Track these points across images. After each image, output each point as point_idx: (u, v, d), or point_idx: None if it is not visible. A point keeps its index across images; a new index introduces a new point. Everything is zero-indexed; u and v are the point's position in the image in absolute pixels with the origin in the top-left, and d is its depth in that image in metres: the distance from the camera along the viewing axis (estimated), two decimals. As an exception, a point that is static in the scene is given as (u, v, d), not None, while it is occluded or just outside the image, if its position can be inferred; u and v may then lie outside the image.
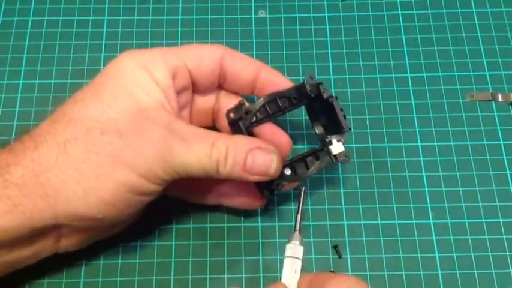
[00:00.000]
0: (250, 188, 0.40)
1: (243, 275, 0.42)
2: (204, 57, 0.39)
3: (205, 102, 0.42)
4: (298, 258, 0.39)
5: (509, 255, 0.43)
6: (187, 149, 0.35)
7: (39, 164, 0.34)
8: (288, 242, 0.39)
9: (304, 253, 0.39)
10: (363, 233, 0.43)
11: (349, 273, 0.42)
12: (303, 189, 0.41)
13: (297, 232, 0.40)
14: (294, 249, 0.39)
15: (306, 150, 0.46)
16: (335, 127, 0.40)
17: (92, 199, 0.34)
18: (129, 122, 0.35)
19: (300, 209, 0.41)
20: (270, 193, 0.39)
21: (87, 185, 0.34)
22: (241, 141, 0.37)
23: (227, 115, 0.39)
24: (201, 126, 0.41)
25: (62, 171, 0.34)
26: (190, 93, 0.40)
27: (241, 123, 0.39)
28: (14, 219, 0.34)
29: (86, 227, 0.37)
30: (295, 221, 0.40)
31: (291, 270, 0.38)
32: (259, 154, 0.37)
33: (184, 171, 0.36)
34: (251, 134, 0.40)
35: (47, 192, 0.34)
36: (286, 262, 0.39)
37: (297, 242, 0.39)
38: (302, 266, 0.39)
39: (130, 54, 0.38)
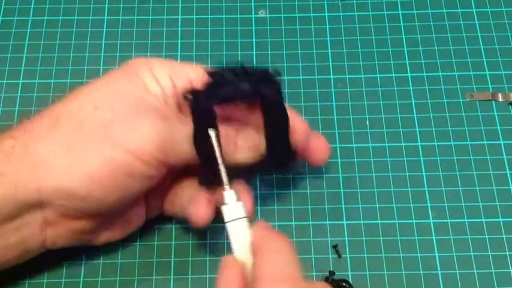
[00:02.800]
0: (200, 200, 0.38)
1: (243, 275, 0.42)
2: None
3: None
4: (243, 217, 0.33)
5: (509, 255, 0.42)
6: (185, 126, 0.36)
7: (30, 135, 0.35)
8: (222, 204, 0.34)
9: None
10: (363, 232, 0.43)
11: (349, 273, 0.42)
12: (213, 131, 0.35)
13: (228, 188, 0.34)
14: (234, 210, 0.34)
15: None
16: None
17: (76, 172, 0.34)
18: (123, 101, 0.36)
19: (219, 156, 0.34)
20: (210, 182, 0.37)
21: (74, 157, 0.34)
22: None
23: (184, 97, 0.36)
24: None
25: (51, 142, 0.34)
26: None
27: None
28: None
29: (71, 209, 0.36)
30: (220, 175, 0.34)
31: (239, 236, 0.33)
32: (247, 131, 0.38)
33: (178, 148, 0.36)
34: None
35: (34, 162, 0.34)
36: (231, 229, 0.33)
37: (233, 200, 0.34)
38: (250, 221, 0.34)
39: (141, 57, 0.39)
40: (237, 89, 0.36)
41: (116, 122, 0.35)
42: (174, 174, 0.40)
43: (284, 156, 0.38)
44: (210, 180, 0.36)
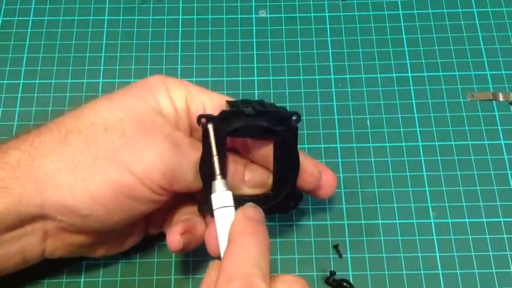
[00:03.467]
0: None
1: (244, 275, 0.42)
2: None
3: None
4: (229, 206, 0.34)
5: (510, 254, 0.42)
6: (193, 152, 0.36)
7: (37, 149, 0.35)
8: (212, 192, 0.34)
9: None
10: (364, 232, 0.43)
11: (350, 273, 0.42)
12: (210, 126, 0.35)
13: (219, 178, 0.35)
14: (222, 198, 0.34)
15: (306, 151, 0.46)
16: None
17: (80, 190, 0.34)
18: (134, 123, 0.35)
19: (214, 148, 0.35)
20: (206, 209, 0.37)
21: (79, 176, 0.34)
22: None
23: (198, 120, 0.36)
24: None
25: (58, 159, 0.34)
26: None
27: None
28: (3, 203, 0.34)
29: (72, 225, 0.36)
30: (213, 165, 0.35)
31: (224, 224, 0.33)
32: (256, 167, 0.38)
33: (183, 178, 0.36)
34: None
35: (39, 177, 0.34)
36: (217, 216, 0.34)
37: (223, 189, 0.34)
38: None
39: (159, 75, 0.39)
40: (252, 124, 0.36)
41: (124, 146, 0.35)
42: (177, 198, 0.39)
43: (288, 198, 0.38)
44: (209, 210, 0.36)
